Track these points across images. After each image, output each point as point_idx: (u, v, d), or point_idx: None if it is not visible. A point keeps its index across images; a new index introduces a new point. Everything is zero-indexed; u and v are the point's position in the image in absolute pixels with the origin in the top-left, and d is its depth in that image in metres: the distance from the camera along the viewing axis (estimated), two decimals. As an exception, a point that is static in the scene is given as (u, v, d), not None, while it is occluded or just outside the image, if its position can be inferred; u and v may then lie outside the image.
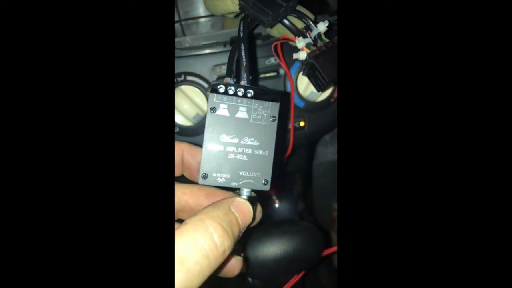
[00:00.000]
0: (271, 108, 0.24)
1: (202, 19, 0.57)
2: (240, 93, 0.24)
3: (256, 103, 0.24)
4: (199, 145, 0.24)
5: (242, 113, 0.24)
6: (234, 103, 0.24)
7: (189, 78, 0.40)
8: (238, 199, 0.23)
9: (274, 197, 0.63)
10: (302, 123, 0.44)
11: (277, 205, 0.64)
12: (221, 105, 0.24)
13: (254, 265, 0.37)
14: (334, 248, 0.45)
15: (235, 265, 0.26)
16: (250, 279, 0.42)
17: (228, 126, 0.24)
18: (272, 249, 0.37)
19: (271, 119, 0.24)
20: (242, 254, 0.28)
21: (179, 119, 0.41)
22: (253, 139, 0.24)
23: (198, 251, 0.19)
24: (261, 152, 0.24)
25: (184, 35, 0.56)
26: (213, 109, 0.24)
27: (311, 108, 0.43)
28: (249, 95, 0.24)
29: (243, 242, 0.38)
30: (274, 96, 0.24)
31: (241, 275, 0.38)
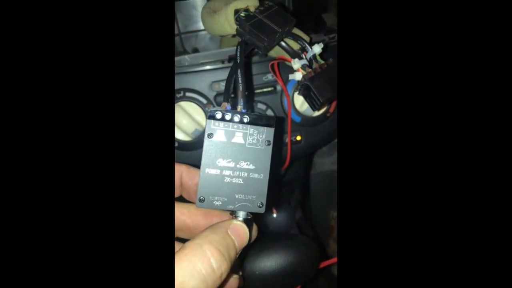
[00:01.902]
0: (266, 133, 0.25)
1: (201, 33, 0.58)
2: (236, 119, 0.25)
3: (251, 128, 0.25)
4: (198, 159, 0.25)
5: (238, 138, 0.25)
6: (230, 129, 0.25)
7: (188, 94, 0.41)
8: (235, 222, 0.24)
9: (272, 207, 0.64)
10: (298, 137, 0.45)
11: (274, 215, 0.65)
12: (218, 131, 0.25)
13: (251, 279, 0.38)
14: (332, 260, 0.45)
15: (232, 284, 0.27)
16: (247, 292, 0.43)
17: (225, 151, 0.25)
18: (269, 263, 0.38)
19: (266, 144, 0.25)
20: (240, 273, 0.29)
21: (178, 134, 0.41)
22: (248, 163, 0.25)
23: (196, 275, 0.20)
24: (256, 175, 0.25)
25: (183, 47, 0.57)
26: (210, 135, 0.24)
27: (308, 122, 0.44)
28: (245, 120, 0.25)
29: (240, 256, 0.38)
30: (269, 122, 0.25)
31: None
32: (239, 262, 0.38)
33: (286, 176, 0.61)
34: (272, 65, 0.38)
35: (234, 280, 0.27)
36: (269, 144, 0.25)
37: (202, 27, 0.55)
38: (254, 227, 0.27)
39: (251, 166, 0.25)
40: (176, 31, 0.57)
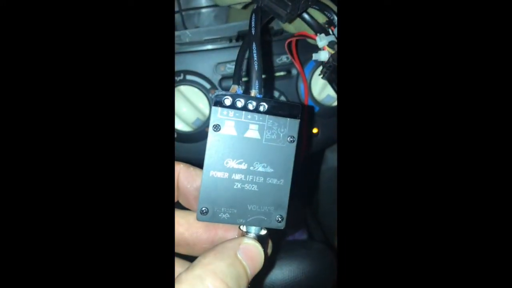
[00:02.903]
0: (289, 126, 0.20)
1: (204, 10, 0.52)
2: (251, 107, 0.19)
3: (270, 120, 0.20)
4: (198, 153, 0.19)
5: (252, 132, 0.19)
6: (243, 119, 0.19)
7: (189, 77, 0.36)
8: (246, 241, 0.19)
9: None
10: (315, 130, 0.40)
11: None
12: (227, 122, 0.19)
13: (260, 293, 0.33)
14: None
15: None
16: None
17: (235, 149, 0.19)
18: (281, 276, 0.33)
19: (288, 140, 0.20)
20: None
21: (177, 124, 0.36)
22: (265, 165, 0.20)
23: None
24: (275, 181, 0.20)
25: (184, 27, 0.51)
26: (217, 127, 0.19)
27: (326, 113, 0.39)
28: (262, 108, 0.19)
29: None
30: (294, 111, 0.20)
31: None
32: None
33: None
34: (289, 44, 0.32)
35: None
36: (293, 141, 0.20)
37: (205, 3, 0.49)
38: (269, 244, 0.22)
39: (268, 169, 0.20)
40: (176, 8, 0.51)
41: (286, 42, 0.32)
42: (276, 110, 0.20)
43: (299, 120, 0.20)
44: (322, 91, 0.37)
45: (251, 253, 0.18)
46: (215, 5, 0.40)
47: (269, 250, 0.23)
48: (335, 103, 0.39)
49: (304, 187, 0.67)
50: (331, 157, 0.63)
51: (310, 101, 0.38)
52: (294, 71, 0.38)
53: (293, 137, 0.20)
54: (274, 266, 0.33)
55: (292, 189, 0.20)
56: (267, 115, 0.20)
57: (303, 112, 0.20)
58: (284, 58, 0.37)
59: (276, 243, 0.37)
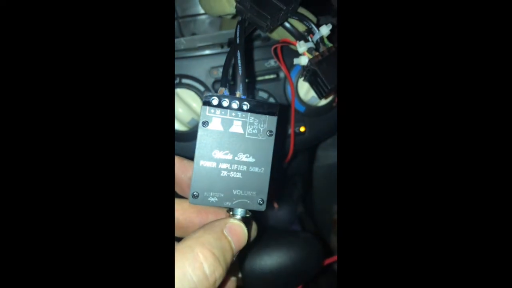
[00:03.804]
0: (268, 122, 0.23)
1: (199, 17, 0.55)
2: (234, 106, 0.22)
3: (252, 117, 0.22)
4: (194, 151, 0.22)
5: (236, 127, 0.22)
6: (228, 117, 0.22)
7: (184, 81, 0.38)
8: (232, 220, 0.22)
9: (273, 201, 0.61)
10: (302, 128, 0.42)
11: (276, 209, 0.62)
12: (214, 119, 0.22)
13: (251, 278, 0.36)
14: (334, 258, 0.43)
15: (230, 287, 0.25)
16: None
17: (222, 141, 0.22)
18: (269, 261, 0.36)
19: (267, 134, 0.23)
20: (240, 275, 0.26)
21: (174, 124, 0.39)
22: (248, 155, 0.23)
23: (186, 283, 0.17)
24: (256, 169, 0.23)
25: (181, 33, 0.54)
26: (205, 123, 0.22)
27: (312, 113, 0.41)
28: (244, 107, 0.22)
29: (239, 256, 0.36)
30: (272, 109, 0.23)
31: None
32: (238, 262, 0.36)
33: (289, 169, 0.58)
34: (275, 50, 0.35)
35: (232, 283, 0.25)
36: (271, 135, 0.23)
37: (201, 11, 0.52)
38: (254, 226, 0.24)
39: (251, 159, 0.23)
40: (174, 15, 0.54)
41: (272, 48, 0.35)
42: (257, 108, 0.23)
43: (276, 117, 0.23)
44: (308, 92, 0.40)
45: (236, 231, 0.21)
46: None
47: (254, 233, 0.26)
48: (321, 103, 0.41)
49: (298, 185, 0.69)
50: (323, 155, 0.65)
51: (297, 102, 0.40)
52: (282, 74, 0.40)
53: (272, 131, 0.23)
54: (264, 252, 0.36)
55: (272, 176, 0.23)
56: (249, 113, 0.22)
57: (280, 111, 0.23)
58: (272, 62, 0.40)
59: (267, 232, 0.39)
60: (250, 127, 0.23)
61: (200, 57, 0.38)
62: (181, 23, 0.55)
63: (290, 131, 0.41)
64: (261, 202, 0.23)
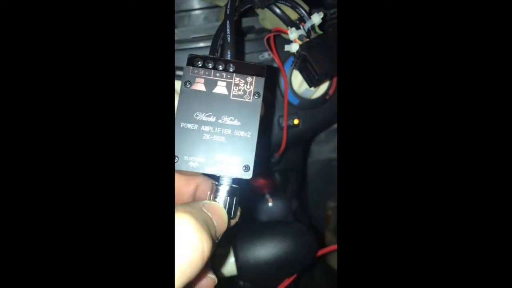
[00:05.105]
0: (256, 84, 0.22)
1: (194, 12, 0.55)
2: (220, 67, 0.21)
3: (237, 78, 0.22)
4: None
5: (220, 88, 0.22)
6: (212, 77, 0.21)
7: (178, 73, 0.39)
8: (207, 201, 0.21)
9: (267, 196, 0.62)
10: (296, 121, 0.42)
11: (270, 204, 0.63)
12: (197, 79, 0.21)
13: (245, 267, 0.36)
14: (329, 248, 0.44)
15: (207, 285, 0.23)
16: (241, 282, 0.41)
17: (204, 103, 0.21)
18: (263, 251, 0.36)
19: (255, 96, 0.22)
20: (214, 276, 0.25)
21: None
22: (233, 118, 0.21)
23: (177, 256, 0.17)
24: (242, 133, 0.22)
25: (176, 27, 0.54)
26: (188, 83, 0.21)
27: (306, 105, 0.42)
28: (230, 69, 0.22)
29: (234, 244, 0.36)
30: (259, 71, 0.22)
31: (232, 278, 0.37)
32: (231, 250, 0.36)
33: (282, 164, 0.59)
34: (268, 40, 0.36)
35: (209, 280, 0.24)
36: (258, 97, 0.22)
37: (196, 6, 0.52)
38: (239, 210, 0.24)
39: (236, 122, 0.21)
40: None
41: (265, 38, 0.36)
42: (244, 69, 0.22)
43: (264, 78, 0.22)
44: (301, 84, 0.40)
45: (215, 209, 0.20)
46: (205, 8, 0.43)
47: (238, 213, 0.25)
48: (314, 96, 0.42)
49: (292, 181, 0.69)
50: (317, 150, 0.65)
51: (290, 94, 0.41)
52: (275, 66, 0.41)
53: (259, 93, 0.22)
54: (258, 242, 0.36)
55: (258, 142, 0.22)
56: (234, 73, 0.21)
57: (271, 92, 0.23)
58: (266, 55, 0.40)
59: (261, 223, 0.39)
60: (236, 88, 0.22)
61: (194, 50, 0.39)
62: (176, 18, 0.55)
63: (283, 123, 0.41)
64: (246, 169, 0.22)
